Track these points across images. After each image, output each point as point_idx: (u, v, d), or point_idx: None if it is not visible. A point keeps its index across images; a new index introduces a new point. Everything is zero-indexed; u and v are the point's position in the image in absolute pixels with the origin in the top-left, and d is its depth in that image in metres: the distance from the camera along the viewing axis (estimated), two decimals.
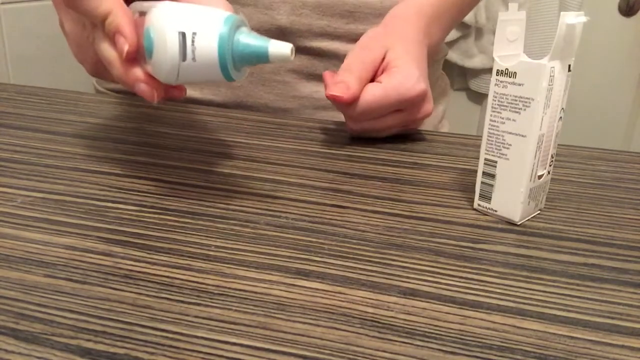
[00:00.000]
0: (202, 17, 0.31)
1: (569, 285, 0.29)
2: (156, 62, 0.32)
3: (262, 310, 0.26)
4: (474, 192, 0.37)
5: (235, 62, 0.31)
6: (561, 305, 0.28)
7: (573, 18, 0.31)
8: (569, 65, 0.33)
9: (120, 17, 0.33)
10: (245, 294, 0.27)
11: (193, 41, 0.30)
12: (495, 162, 0.35)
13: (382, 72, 0.46)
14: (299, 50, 0.54)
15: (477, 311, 0.27)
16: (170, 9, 0.31)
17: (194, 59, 0.31)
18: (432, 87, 0.65)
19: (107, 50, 0.35)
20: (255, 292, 0.27)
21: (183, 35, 0.30)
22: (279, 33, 0.54)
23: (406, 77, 0.45)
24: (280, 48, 0.31)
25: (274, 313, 0.26)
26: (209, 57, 0.31)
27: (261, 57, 0.31)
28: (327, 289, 0.28)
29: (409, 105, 0.46)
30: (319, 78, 0.56)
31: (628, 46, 1.37)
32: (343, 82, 0.43)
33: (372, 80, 0.46)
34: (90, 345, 0.24)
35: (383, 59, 0.46)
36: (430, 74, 0.67)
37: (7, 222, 0.33)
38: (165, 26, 0.31)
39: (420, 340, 0.25)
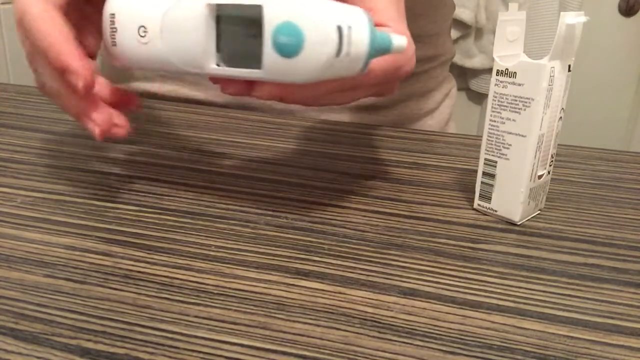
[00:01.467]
0: (347, 10, 0.29)
1: (569, 285, 0.29)
2: (303, 60, 0.28)
3: (262, 310, 0.26)
4: (474, 192, 0.37)
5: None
6: (561, 305, 0.28)
7: (573, 18, 0.31)
8: (569, 65, 0.33)
9: (64, 53, 0.30)
10: (245, 294, 0.27)
11: (350, 36, 0.28)
12: (495, 162, 0.35)
13: None
14: None
15: (477, 311, 0.27)
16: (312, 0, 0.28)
17: (347, 53, 0.29)
18: (437, 89, 0.65)
19: (54, 81, 0.32)
20: (255, 292, 0.27)
21: (340, 29, 0.28)
22: None
23: (407, 48, 0.34)
24: (400, 41, 0.31)
25: (274, 313, 0.26)
26: (359, 52, 0.29)
27: (386, 50, 0.31)
28: (326, 289, 0.28)
29: (393, 80, 0.35)
30: None
31: (628, 46, 1.37)
32: None
33: None
34: (90, 345, 0.24)
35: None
36: (436, 75, 0.66)
37: (7, 222, 0.33)
38: (322, 19, 0.28)
39: (420, 340, 0.25)
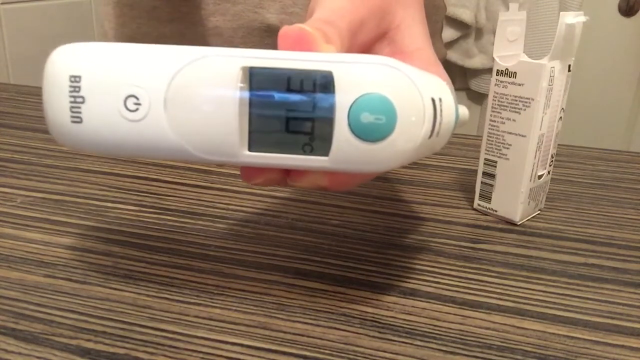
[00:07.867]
0: (432, 78, 0.23)
1: (569, 285, 0.29)
2: (389, 145, 0.21)
3: (262, 310, 0.26)
4: (474, 192, 0.37)
5: None
6: (561, 305, 0.28)
7: (573, 18, 0.31)
8: (569, 65, 0.33)
9: None
10: (245, 294, 0.27)
11: (442, 110, 0.22)
12: (495, 162, 0.35)
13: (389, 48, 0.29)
14: None
15: (477, 311, 0.27)
16: (401, 66, 0.21)
17: (438, 133, 0.22)
18: None
19: None
20: (255, 292, 0.27)
21: (434, 103, 0.22)
22: (269, 32, 0.54)
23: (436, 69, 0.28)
24: (465, 112, 0.25)
25: (274, 313, 0.26)
26: (448, 130, 0.23)
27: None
28: (326, 289, 0.28)
29: None
30: None
31: (628, 46, 1.37)
32: (321, 30, 0.23)
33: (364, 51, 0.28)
34: (90, 345, 0.24)
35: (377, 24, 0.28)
36: None
37: (7, 222, 0.33)
38: (417, 90, 0.21)
39: (420, 340, 0.25)
